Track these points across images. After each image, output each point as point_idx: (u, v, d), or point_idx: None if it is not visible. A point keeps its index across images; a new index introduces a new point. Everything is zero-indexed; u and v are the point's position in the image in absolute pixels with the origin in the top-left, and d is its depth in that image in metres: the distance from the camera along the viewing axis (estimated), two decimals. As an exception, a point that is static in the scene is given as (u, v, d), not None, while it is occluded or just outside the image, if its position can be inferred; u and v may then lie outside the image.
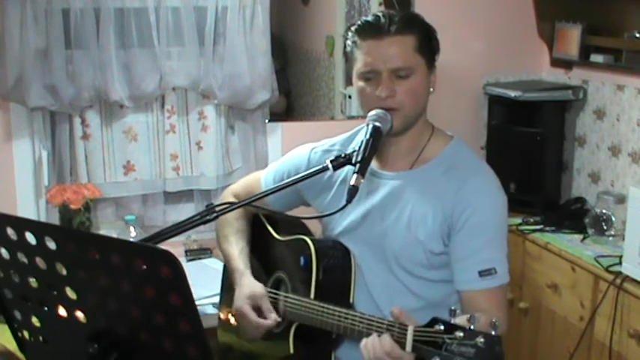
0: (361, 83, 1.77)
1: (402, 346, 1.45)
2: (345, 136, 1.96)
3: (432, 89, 1.81)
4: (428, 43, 1.77)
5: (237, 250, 1.97)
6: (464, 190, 1.72)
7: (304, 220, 2.01)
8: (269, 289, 1.94)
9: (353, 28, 1.78)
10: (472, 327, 1.32)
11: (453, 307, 1.37)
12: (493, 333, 1.30)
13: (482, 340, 1.30)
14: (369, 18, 1.77)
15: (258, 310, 1.85)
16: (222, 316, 2.13)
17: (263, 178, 2.05)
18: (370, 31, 1.74)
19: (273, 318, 1.83)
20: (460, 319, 1.35)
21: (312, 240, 1.86)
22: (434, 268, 1.78)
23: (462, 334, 1.32)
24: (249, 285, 1.88)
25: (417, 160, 1.81)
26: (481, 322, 1.33)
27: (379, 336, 1.51)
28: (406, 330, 1.44)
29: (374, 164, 1.84)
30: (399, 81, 1.73)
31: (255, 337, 1.87)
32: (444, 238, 1.75)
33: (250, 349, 2.00)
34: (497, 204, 1.77)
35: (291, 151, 2.05)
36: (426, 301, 1.80)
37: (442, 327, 1.36)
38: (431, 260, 1.77)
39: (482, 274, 1.70)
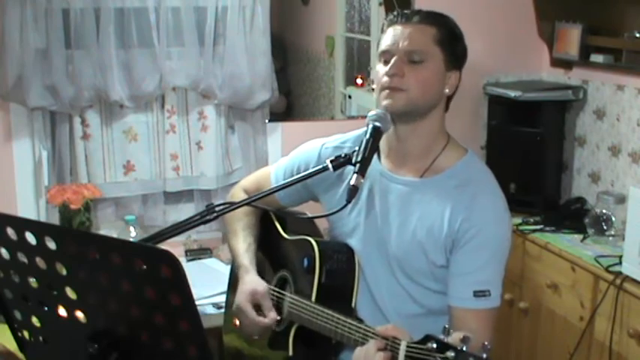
0: (379, 66, 1.79)
1: None
2: (358, 133, 1.93)
3: (447, 90, 1.80)
4: (450, 41, 1.78)
5: (245, 246, 1.97)
6: (473, 207, 1.72)
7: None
8: (273, 288, 1.94)
9: (386, 19, 1.82)
10: (464, 348, 1.32)
11: (446, 326, 1.36)
12: (484, 356, 1.29)
13: None
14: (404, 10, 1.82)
15: (259, 308, 1.85)
16: (227, 317, 2.12)
17: (273, 174, 2.04)
18: (397, 18, 1.78)
19: (272, 317, 1.83)
20: (453, 339, 1.34)
21: (316, 241, 1.85)
22: (436, 280, 1.77)
23: (453, 354, 1.32)
24: (251, 282, 1.88)
25: (430, 169, 1.80)
26: (473, 343, 1.32)
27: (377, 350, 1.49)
28: (399, 345, 1.44)
29: (385, 165, 1.84)
30: (411, 66, 1.73)
31: (254, 334, 1.88)
32: (446, 252, 1.74)
33: (253, 350, 1.99)
34: (504, 227, 1.76)
35: (301, 146, 2.03)
36: (426, 308, 1.80)
37: (435, 345, 1.36)
38: (433, 271, 1.76)
39: (477, 294, 1.69)
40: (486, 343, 1.31)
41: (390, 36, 1.77)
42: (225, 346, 2.12)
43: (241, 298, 1.87)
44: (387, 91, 1.73)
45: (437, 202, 1.75)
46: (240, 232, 2.00)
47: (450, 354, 1.32)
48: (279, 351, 1.88)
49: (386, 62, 1.76)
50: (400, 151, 1.82)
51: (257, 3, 2.97)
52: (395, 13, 1.80)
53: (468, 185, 1.75)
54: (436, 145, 1.81)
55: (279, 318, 1.84)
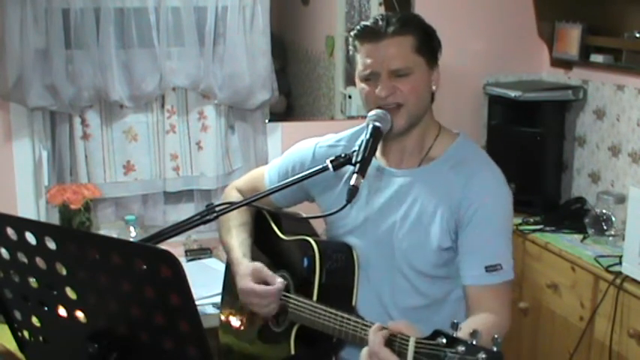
0: (362, 85, 1.79)
1: (404, 357, 1.42)
2: (351, 132, 1.95)
3: (434, 87, 1.82)
4: (427, 43, 1.79)
5: (238, 241, 1.96)
6: (470, 185, 1.74)
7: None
8: None
9: (352, 33, 1.81)
10: (474, 342, 1.30)
11: (455, 321, 1.35)
12: (495, 349, 1.28)
13: (483, 356, 1.26)
14: (368, 22, 1.79)
15: (264, 283, 1.83)
16: (222, 317, 2.12)
17: (267, 174, 2.04)
18: (368, 34, 1.77)
19: (279, 282, 1.80)
20: (462, 333, 1.33)
21: (316, 241, 1.85)
22: (439, 266, 1.78)
23: (463, 348, 1.30)
24: (246, 265, 1.87)
25: (425, 158, 1.83)
26: (483, 337, 1.31)
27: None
28: (407, 341, 1.41)
29: (381, 162, 1.86)
30: (399, 79, 1.75)
31: (270, 309, 1.82)
32: (451, 234, 1.76)
33: (251, 350, 1.99)
34: (503, 200, 1.79)
35: (295, 146, 2.03)
36: (429, 298, 1.80)
37: (444, 340, 1.34)
38: (438, 256, 1.77)
39: (489, 269, 1.71)
40: (496, 336, 1.29)
41: (368, 55, 1.76)
42: (220, 343, 2.12)
43: (243, 282, 1.83)
44: (384, 110, 1.74)
45: (435, 187, 1.77)
46: (233, 229, 1.99)
47: (461, 348, 1.31)
48: (278, 350, 1.87)
49: (368, 80, 1.77)
50: (396, 149, 1.84)
51: (257, 3, 2.97)
52: (361, 26, 1.78)
53: (463, 165, 1.78)
54: (430, 136, 1.84)
55: (285, 283, 1.82)
